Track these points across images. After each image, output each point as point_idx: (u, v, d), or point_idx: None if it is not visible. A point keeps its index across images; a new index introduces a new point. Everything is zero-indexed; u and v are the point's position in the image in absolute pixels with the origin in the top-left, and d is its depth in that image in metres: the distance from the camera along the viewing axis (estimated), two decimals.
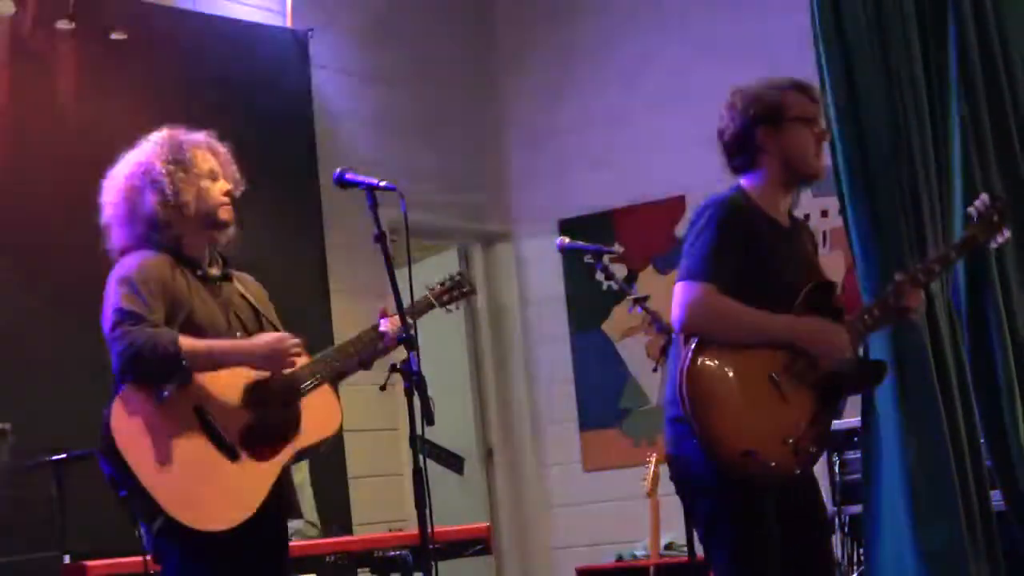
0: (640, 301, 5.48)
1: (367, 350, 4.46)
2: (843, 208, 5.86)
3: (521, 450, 8.78)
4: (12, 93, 6.10)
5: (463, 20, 8.88)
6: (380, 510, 7.30)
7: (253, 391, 4.17)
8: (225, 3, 7.33)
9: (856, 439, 6.44)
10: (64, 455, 5.32)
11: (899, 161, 5.74)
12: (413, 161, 7.93)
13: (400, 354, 4.20)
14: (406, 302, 4.30)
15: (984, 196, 4.88)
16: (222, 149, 4.44)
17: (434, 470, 4.33)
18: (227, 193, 4.36)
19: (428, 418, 4.11)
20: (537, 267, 8.78)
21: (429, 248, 8.93)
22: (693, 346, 4.26)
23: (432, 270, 8.80)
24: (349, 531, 6.87)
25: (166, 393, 3.99)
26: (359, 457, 7.41)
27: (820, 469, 6.65)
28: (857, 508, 6.39)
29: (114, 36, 6.61)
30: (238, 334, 4.25)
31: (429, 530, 4.08)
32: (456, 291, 4.68)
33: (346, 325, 7.51)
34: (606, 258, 5.46)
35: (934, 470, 5.64)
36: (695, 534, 4.83)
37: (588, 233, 7.50)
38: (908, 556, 5.58)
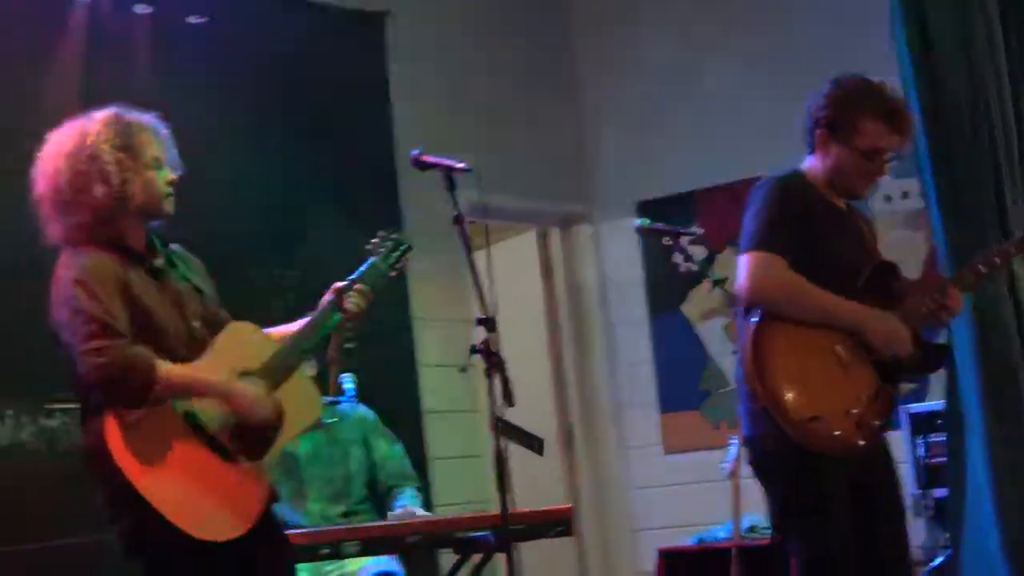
0: (719, 283, 5.44)
1: (327, 327, 4.23)
2: (924, 190, 5.80)
3: (601, 432, 8.77)
4: (90, 77, 6.13)
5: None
6: (461, 491, 7.31)
7: None
8: None
9: (940, 422, 6.39)
10: None
11: (979, 139, 5.67)
12: (490, 143, 7.91)
13: (481, 336, 4.19)
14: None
15: None
16: (165, 132, 4.09)
17: (514, 451, 4.31)
18: (171, 182, 4.05)
19: (508, 399, 4.10)
20: (615, 249, 8.74)
21: (507, 230, 8.93)
22: (756, 319, 4.26)
23: (510, 252, 8.83)
24: (430, 512, 6.88)
25: (131, 419, 3.76)
26: (440, 438, 7.43)
27: (905, 451, 6.64)
28: (942, 491, 6.33)
29: (191, 20, 6.64)
30: (194, 323, 4.02)
31: (510, 511, 4.07)
32: (397, 251, 4.38)
33: (424, 307, 7.54)
34: (685, 239, 5.42)
35: (1018, 455, 5.59)
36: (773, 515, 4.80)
37: (667, 214, 7.46)
38: (993, 542, 5.53)
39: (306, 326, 4.18)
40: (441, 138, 7.21)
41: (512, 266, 8.61)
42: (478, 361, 4.17)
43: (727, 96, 8.35)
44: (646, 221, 5.57)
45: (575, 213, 8.87)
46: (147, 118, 4.07)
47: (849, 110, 4.41)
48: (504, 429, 4.16)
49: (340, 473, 6.01)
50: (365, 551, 5.24)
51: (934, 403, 6.71)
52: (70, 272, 3.84)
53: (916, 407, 6.86)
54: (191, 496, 3.80)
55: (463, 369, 4.36)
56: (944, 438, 6.28)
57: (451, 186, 4.28)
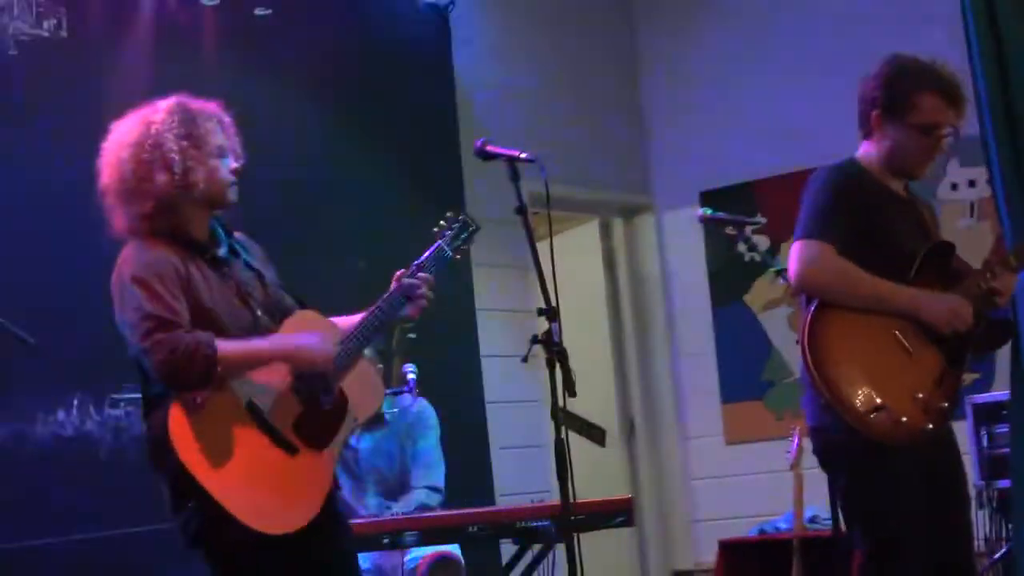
0: (783, 272, 5.42)
1: (394, 317, 4.20)
2: (991, 178, 5.75)
3: (663, 422, 8.77)
4: (156, 69, 6.18)
5: None
6: (522, 481, 7.33)
7: (301, 380, 3.99)
8: None
9: (1005, 412, 6.34)
10: None
11: None
12: (553, 133, 7.93)
13: (542, 326, 4.19)
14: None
15: None
16: (229, 120, 4.09)
17: (576, 442, 4.31)
18: (234, 171, 4.04)
19: (570, 390, 4.09)
20: (678, 239, 8.74)
21: (570, 220, 8.93)
22: (813, 308, 4.25)
23: (573, 242, 8.84)
24: (491, 502, 6.90)
25: (199, 400, 3.78)
26: (501, 428, 7.45)
27: (968, 441, 6.60)
28: (1005, 482, 6.29)
29: (258, 12, 6.68)
30: (258, 312, 4.02)
31: (571, 501, 4.08)
32: (464, 233, 4.37)
33: (488, 298, 7.56)
34: (748, 229, 5.40)
35: None
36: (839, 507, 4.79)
37: (730, 204, 7.45)
38: None
39: (371, 315, 4.17)
40: (504, 128, 7.25)
41: (575, 256, 8.62)
42: (540, 351, 4.17)
43: (789, 85, 8.32)
44: (708, 211, 5.55)
45: (638, 203, 8.88)
46: (211, 107, 4.07)
47: (904, 87, 4.40)
48: (566, 419, 4.15)
49: (396, 470, 6.04)
50: (425, 541, 5.27)
51: (999, 393, 6.66)
52: (130, 269, 3.85)
53: (980, 397, 6.82)
54: (251, 487, 3.81)
55: (525, 359, 4.34)
56: (1007, 428, 6.22)
57: (515, 176, 4.27)
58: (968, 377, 6.39)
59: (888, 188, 4.46)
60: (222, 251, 4.06)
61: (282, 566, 3.89)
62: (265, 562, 3.85)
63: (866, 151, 4.50)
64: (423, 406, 6.16)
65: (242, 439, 3.84)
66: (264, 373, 3.93)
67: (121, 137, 3.98)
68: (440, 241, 4.33)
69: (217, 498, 3.73)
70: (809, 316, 4.25)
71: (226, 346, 3.81)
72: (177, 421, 3.76)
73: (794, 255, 4.32)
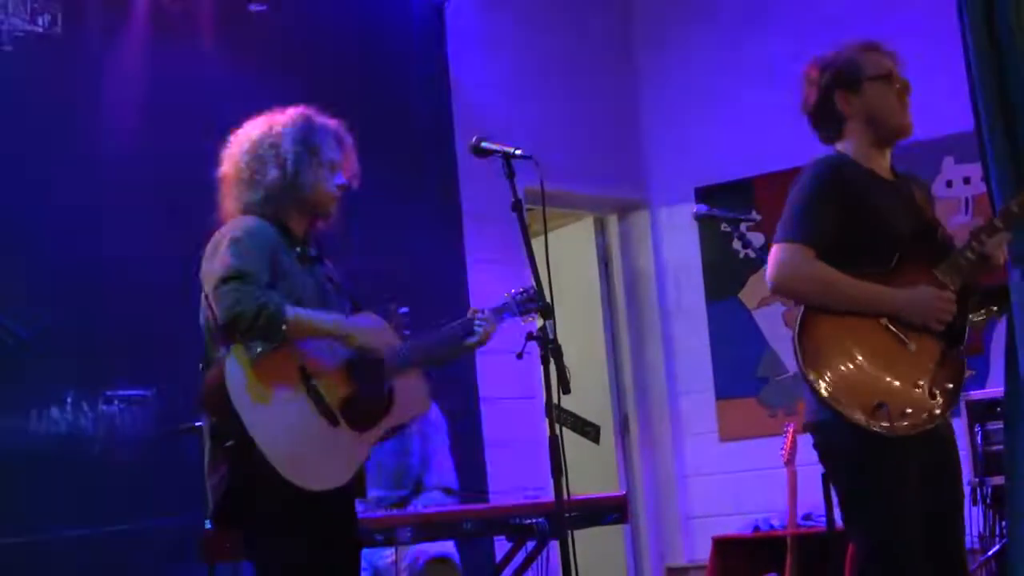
0: None
1: (456, 347, 4.50)
2: (986, 174, 5.75)
3: (657, 419, 8.77)
4: (150, 66, 6.17)
5: None
6: (516, 478, 7.33)
7: (356, 363, 4.22)
8: None
9: (999, 409, 6.34)
10: None
11: None
12: (549, 130, 7.92)
13: (537, 322, 4.20)
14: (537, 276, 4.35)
15: None
16: (349, 141, 4.46)
17: (570, 438, 4.32)
18: (341, 187, 4.38)
19: (564, 386, 4.12)
20: (673, 235, 8.73)
21: (565, 217, 8.93)
22: (803, 309, 4.23)
23: (568, 239, 8.84)
24: (485, 498, 6.90)
25: (259, 349, 4.03)
26: (495, 425, 7.45)
27: (962, 440, 6.60)
28: (1000, 479, 6.29)
29: (253, 7, 6.67)
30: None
31: (565, 498, 4.08)
32: (531, 304, 4.61)
33: (482, 294, 7.55)
34: (743, 226, 5.41)
35: None
36: (834, 504, 4.78)
37: (725, 201, 7.45)
38: None
39: (440, 335, 4.44)
40: (500, 125, 7.24)
41: (570, 253, 8.63)
42: (534, 348, 4.18)
43: (784, 82, 8.30)
44: (703, 207, 5.55)
45: (633, 200, 8.87)
46: (334, 124, 4.42)
47: (845, 56, 4.50)
48: (560, 416, 4.17)
49: (399, 462, 6.05)
50: (419, 537, 5.27)
51: (993, 390, 6.66)
52: (231, 231, 4.14)
53: (975, 394, 6.82)
54: (290, 439, 4.01)
55: (519, 355, 4.36)
56: (1002, 425, 6.22)
57: (509, 173, 4.29)
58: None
59: (872, 172, 4.45)
60: (313, 252, 4.36)
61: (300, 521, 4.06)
62: (291, 511, 4.03)
63: (846, 140, 4.51)
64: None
65: (289, 397, 4.06)
66: (325, 351, 4.16)
67: (246, 134, 4.36)
68: (508, 299, 4.60)
69: (257, 441, 3.94)
70: (800, 316, 4.24)
71: (295, 309, 4.06)
72: (235, 367, 4.00)
73: (771, 259, 4.31)
